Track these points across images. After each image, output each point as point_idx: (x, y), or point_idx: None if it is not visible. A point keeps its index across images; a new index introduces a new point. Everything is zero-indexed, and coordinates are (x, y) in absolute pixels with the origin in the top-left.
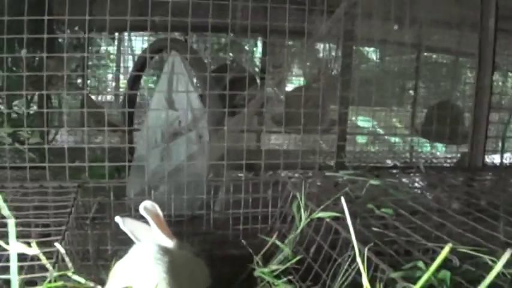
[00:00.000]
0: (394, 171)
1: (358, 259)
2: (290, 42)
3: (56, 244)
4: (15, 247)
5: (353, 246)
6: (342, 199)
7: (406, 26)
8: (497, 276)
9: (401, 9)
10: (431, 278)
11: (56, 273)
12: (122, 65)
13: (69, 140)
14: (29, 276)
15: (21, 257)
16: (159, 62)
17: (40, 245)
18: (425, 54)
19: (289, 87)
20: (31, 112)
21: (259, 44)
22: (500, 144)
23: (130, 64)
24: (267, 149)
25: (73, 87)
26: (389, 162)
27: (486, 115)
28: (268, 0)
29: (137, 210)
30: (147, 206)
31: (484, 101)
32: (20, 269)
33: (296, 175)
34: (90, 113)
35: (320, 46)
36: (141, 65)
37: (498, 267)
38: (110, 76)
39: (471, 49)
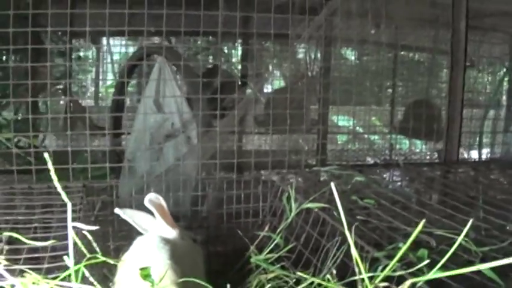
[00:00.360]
0: (370, 167)
1: (347, 233)
2: (267, 44)
3: (85, 232)
4: (71, 227)
5: (340, 233)
6: (333, 185)
7: (383, 26)
8: (471, 253)
9: (378, 10)
10: (411, 256)
11: (90, 255)
12: (101, 69)
13: (58, 144)
14: (54, 265)
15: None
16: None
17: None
18: (402, 53)
19: (270, 89)
20: (19, 118)
21: (238, 46)
22: (477, 139)
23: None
24: (250, 150)
25: (59, 92)
26: (369, 159)
27: (460, 112)
28: (254, 10)
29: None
30: (151, 198)
31: (457, 99)
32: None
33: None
34: (78, 118)
35: (299, 48)
36: (128, 71)
37: (460, 238)
38: (95, 81)
39: (446, 47)
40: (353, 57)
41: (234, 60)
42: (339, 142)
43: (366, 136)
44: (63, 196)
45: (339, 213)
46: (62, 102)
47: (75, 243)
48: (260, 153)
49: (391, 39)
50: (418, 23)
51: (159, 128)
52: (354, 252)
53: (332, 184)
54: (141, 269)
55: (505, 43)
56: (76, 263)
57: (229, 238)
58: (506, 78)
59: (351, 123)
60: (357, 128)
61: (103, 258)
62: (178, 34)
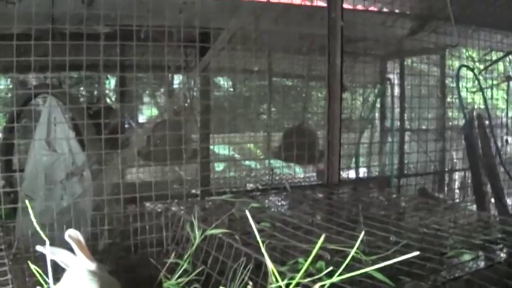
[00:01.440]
0: (258, 193)
1: (264, 252)
2: (140, 74)
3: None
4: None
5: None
6: (247, 213)
7: (262, 57)
8: (361, 262)
9: (259, 43)
10: (310, 268)
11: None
12: None
13: None
14: None
15: None
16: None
17: None
18: (277, 79)
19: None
20: None
21: (111, 78)
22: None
23: None
24: (133, 182)
25: None
26: (251, 185)
27: (338, 138)
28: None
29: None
30: (70, 233)
31: (336, 126)
32: None
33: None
34: None
35: (176, 80)
36: (16, 114)
37: (354, 250)
38: None
39: (320, 72)
40: (228, 86)
41: (109, 92)
42: (216, 169)
43: (244, 163)
44: None
45: (240, 238)
46: None
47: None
48: (148, 185)
49: (266, 67)
50: (294, 51)
51: (51, 166)
52: (270, 264)
53: (247, 212)
54: None
55: (375, 70)
56: None
57: (136, 268)
58: (378, 100)
59: (227, 151)
60: (235, 155)
61: None
62: (57, 68)
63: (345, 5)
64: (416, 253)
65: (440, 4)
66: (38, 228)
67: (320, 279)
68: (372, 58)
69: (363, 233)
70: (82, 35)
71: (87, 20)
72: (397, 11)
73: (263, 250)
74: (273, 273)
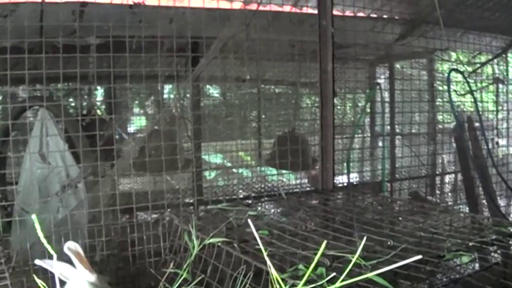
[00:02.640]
0: (255, 201)
1: (267, 259)
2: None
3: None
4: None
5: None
6: (249, 221)
7: (253, 64)
8: (360, 267)
9: (251, 50)
10: (311, 274)
11: None
12: None
13: None
14: None
15: None
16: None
17: None
18: (268, 87)
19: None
20: None
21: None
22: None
23: None
24: (126, 193)
25: None
26: (244, 193)
27: (332, 144)
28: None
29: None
30: (70, 246)
31: (329, 133)
32: None
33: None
34: None
35: (165, 88)
36: (6, 129)
37: (356, 256)
38: None
39: (310, 79)
40: (218, 94)
41: (98, 102)
42: (208, 178)
43: (235, 171)
44: None
45: (238, 246)
46: None
47: None
48: (140, 196)
49: (255, 75)
50: (284, 58)
51: (45, 179)
52: (274, 272)
53: (249, 221)
54: None
55: (365, 75)
56: None
57: (135, 278)
58: (368, 105)
59: (219, 159)
60: (226, 163)
61: None
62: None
63: (335, 12)
64: (419, 257)
65: (428, 8)
66: (45, 243)
67: (321, 285)
68: (362, 63)
69: (363, 240)
70: (71, 46)
71: (75, 32)
72: (385, 16)
73: (266, 258)
74: (277, 280)
